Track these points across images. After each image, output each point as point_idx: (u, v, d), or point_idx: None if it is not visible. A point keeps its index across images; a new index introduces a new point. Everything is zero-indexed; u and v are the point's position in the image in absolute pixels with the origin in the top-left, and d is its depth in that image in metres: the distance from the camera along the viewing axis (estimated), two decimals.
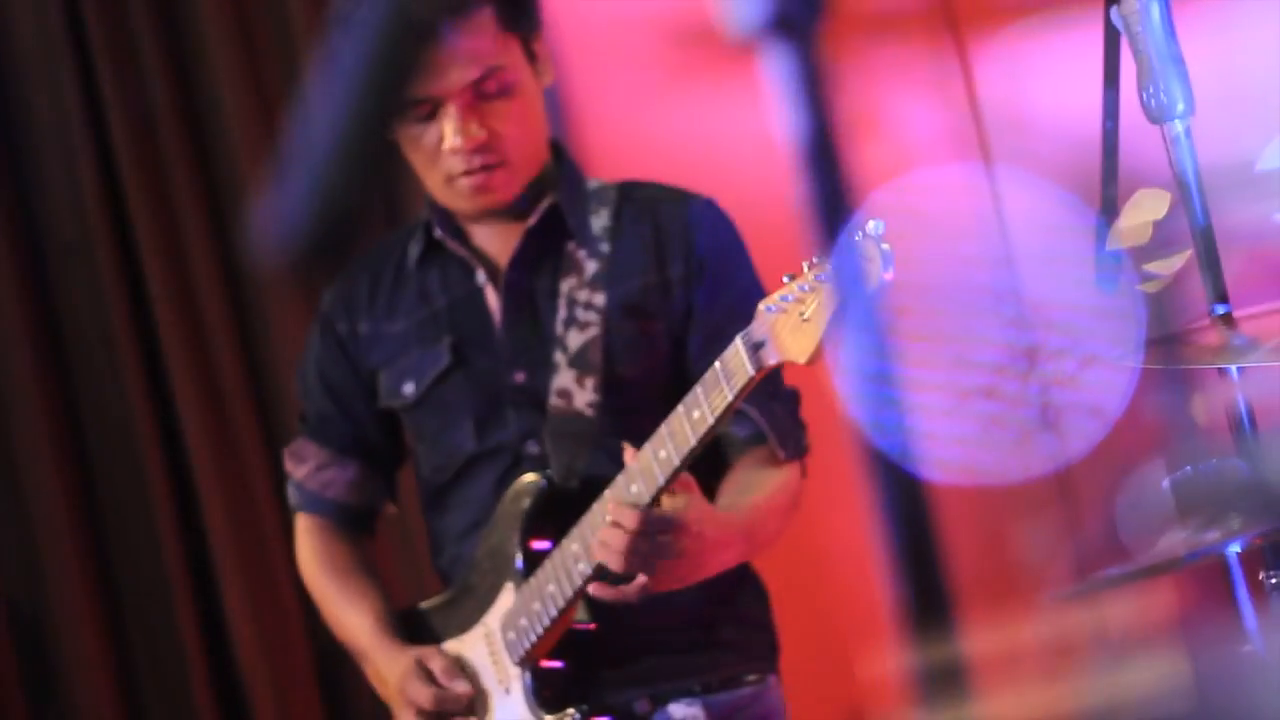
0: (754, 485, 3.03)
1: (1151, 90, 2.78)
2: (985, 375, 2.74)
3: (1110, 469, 3.40)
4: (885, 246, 2.55)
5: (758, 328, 2.69)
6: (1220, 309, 2.77)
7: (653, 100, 4.19)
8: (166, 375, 4.38)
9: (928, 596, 1.29)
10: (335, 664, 4.27)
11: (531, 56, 3.09)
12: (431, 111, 3.03)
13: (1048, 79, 3.94)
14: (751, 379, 2.70)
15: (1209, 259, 2.75)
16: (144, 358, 4.38)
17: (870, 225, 2.56)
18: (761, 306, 2.69)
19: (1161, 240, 2.84)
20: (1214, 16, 3.31)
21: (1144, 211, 2.85)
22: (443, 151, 3.04)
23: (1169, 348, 2.81)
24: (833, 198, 1.30)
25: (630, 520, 2.81)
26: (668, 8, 4.06)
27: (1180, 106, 2.77)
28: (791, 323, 2.64)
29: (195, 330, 4.39)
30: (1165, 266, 2.82)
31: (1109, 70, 2.89)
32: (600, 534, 2.85)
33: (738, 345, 2.71)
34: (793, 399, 3.09)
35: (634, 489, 2.84)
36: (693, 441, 2.77)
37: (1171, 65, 2.77)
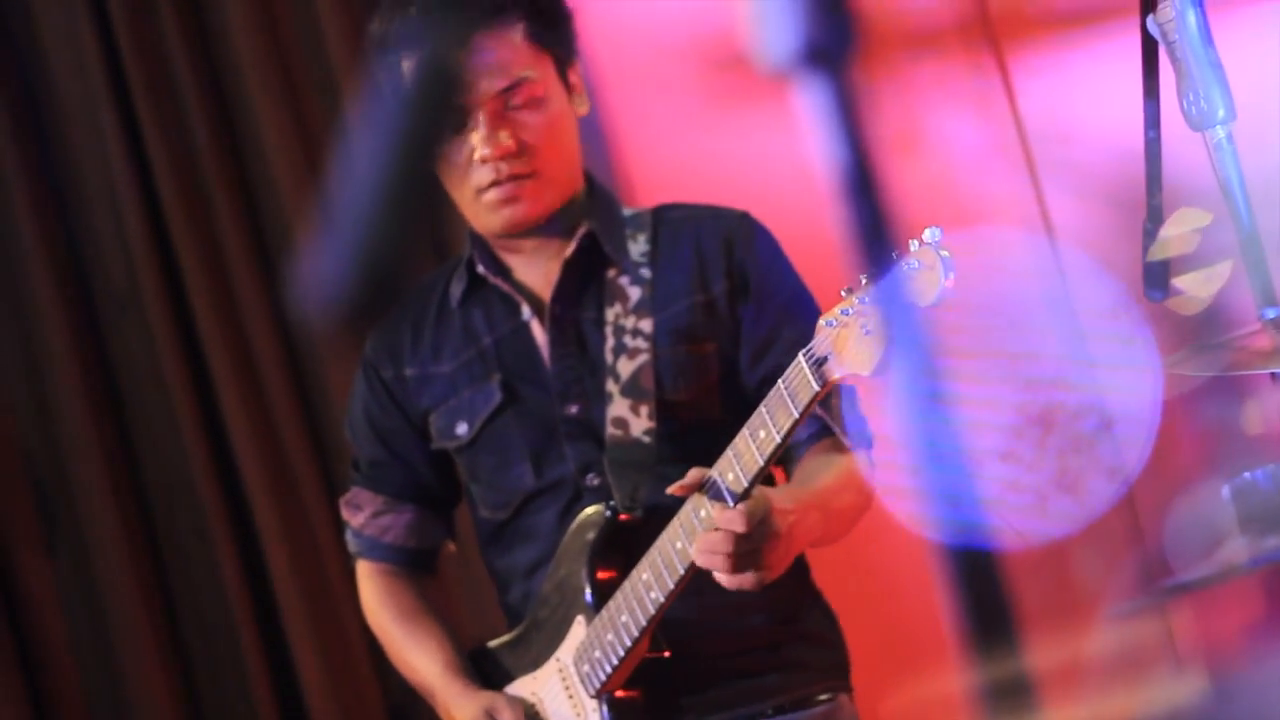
0: (821, 469, 3.02)
1: (1191, 98, 2.77)
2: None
3: (1170, 480, 3.39)
4: (944, 253, 2.55)
5: (820, 343, 2.68)
6: (1271, 312, 2.76)
7: (693, 131, 4.19)
8: (223, 422, 4.39)
9: (989, 611, 1.29)
10: (405, 706, 4.28)
11: (566, 81, 3.11)
12: (461, 124, 3.05)
13: (1090, 90, 3.93)
14: (816, 395, 2.69)
15: (1256, 263, 2.74)
16: (200, 406, 4.39)
17: (928, 233, 2.55)
18: (822, 321, 2.68)
19: (1201, 258, 2.83)
20: (1252, 22, 3.30)
21: (1184, 227, 2.84)
22: (473, 163, 3.06)
23: (1220, 354, 2.80)
24: (873, 226, 1.30)
25: (733, 521, 2.80)
26: (706, 38, 4.06)
27: (1221, 113, 2.76)
28: (854, 335, 2.63)
29: (250, 377, 4.41)
30: (1204, 287, 2.81)
31: (1148, 79, 2.88)
32: (702, 541, 2.83)
33: (800, 363, 2.70)
34: (852, 392, 3.07)
35: (702, 514, 2.84)
36: (760, 462, 2.77)
37: (1210, 71, 2.76)
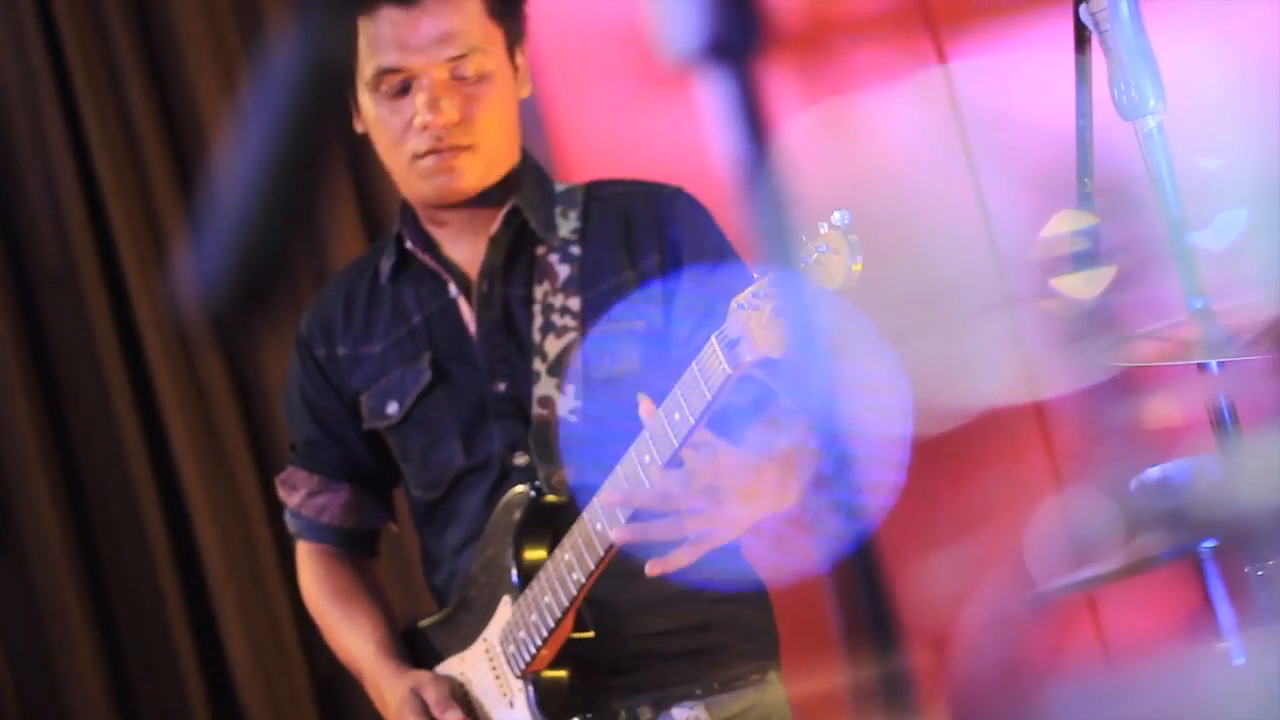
0: (762, 441, 2.98)
1: (1123, 87, 2.78)
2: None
3: (1096, 472, 3.40)
4: (853, 237, 2.54)
5: (732, 325, 2.66)
6: (1198, 303, 2.76)
7: (627, 112, 4.19)
8: (156, 400, 4.38)
9: (872, 606, 1.29)
10: (334, 689, 4.28)
11: (513, 60, 3.09)
12: (405, 87, 3.03)
13: (1026, 76, 3.94)
14: (729, 377, 2.67)
15: (1183, 253, 2.74)
16: (133, 383, 4.38)
17: (836, 215, 2.54)
18: (734, 304, 2.66)
19: (1082, 259, 2.84)
20: (1184, 13, 3.31)
21: (1066, 228, 2.84)
22: (412, 128, 3.03)
23: (1146, 345, 2.80)
24: (776, 218, 1.30)
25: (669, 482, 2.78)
26: (632, 23, 4.05)
27: (1151, 102, 2.76)
28: (765, 318, 2.61)
29: (183, 355, 4.40)
30: (1086, 289, 2.81)
31: (1080, 68, 2.89)
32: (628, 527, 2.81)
33: (713, 344, 2.68)
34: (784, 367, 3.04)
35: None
36: (676, 443, 2.75)
37: (1141, 62, 2.76)
